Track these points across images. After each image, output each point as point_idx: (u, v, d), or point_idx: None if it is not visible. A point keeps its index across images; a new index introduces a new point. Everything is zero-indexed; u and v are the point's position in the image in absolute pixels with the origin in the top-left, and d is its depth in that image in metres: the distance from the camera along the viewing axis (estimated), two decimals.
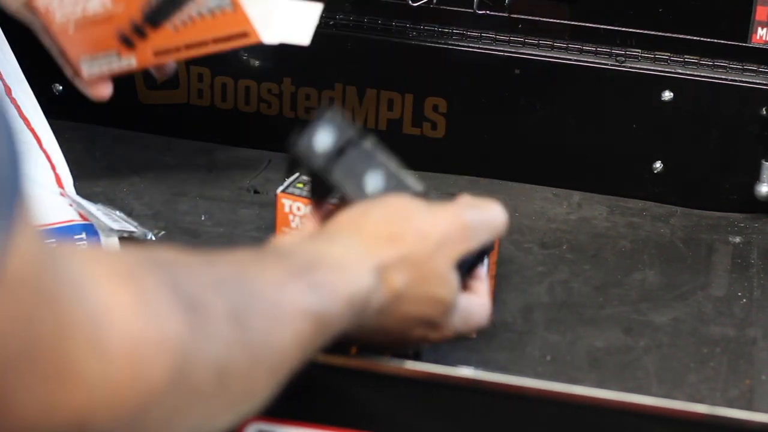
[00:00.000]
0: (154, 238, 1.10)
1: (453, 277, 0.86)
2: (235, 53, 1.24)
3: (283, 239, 0.91)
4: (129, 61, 1.05)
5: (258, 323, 0.71)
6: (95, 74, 1.06)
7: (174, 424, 0.66)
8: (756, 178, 1.19)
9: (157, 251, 0.71)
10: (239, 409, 0.72)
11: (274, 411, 0.84)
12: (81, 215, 1.09)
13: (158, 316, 0.64)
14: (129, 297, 0.63)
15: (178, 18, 1.02)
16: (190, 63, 1.24)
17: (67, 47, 1.05)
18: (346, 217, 0.86)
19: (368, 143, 0.90)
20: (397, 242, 0.83)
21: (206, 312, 0.67)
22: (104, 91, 1.07)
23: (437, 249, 0.84)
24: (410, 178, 0.89)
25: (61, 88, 1.27)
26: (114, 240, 1.07)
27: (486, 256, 0.91)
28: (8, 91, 1.19)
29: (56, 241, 1.03)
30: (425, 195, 0.89)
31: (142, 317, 0.63)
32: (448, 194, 1.20)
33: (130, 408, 0.62)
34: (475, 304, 0.89)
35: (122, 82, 1.27)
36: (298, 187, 1.05)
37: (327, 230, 0.86)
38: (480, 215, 0.89)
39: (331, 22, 1.24)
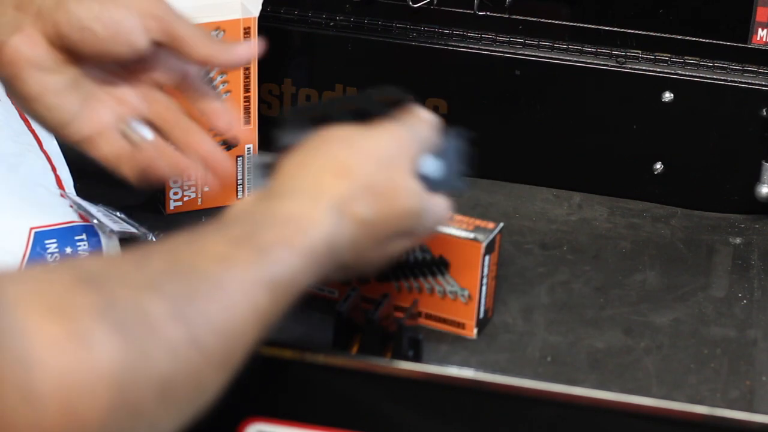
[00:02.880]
0: (155, 240, 1.10)
1: (415, 185, 0.86)
2: None
3: (232, 208, 0.84)
4: None
5: (205, 311, 0.68)
6: None
7: None
8: (756, 179, 1.19)
9: (85, 264, 0.69)
10: (188, 411, 0.69)
11: (275, 411, 0.84)
12: (82, 216, 1.09)
13: (90, 348, 0.62)
14: (58, 331, 0.61)
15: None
16: None
17: None
18: (289, 164, 0.84)
19: None
20: (348, 173, 0.82)
21: (147, 321, 0.65)
22: None
23: (389, 166, 0.84)
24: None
25: None
26: (115, 241, 1.07)
27: None
28: None
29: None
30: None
31: (73, 353, 0.61)
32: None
33: None
34: (434, 202, 0.89)
35: None
36: None
37: (274, 184, 0.83)
38: (413, 130, 0.88)
39: (331, 23, 1.24)
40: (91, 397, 0.61)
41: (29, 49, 0.91)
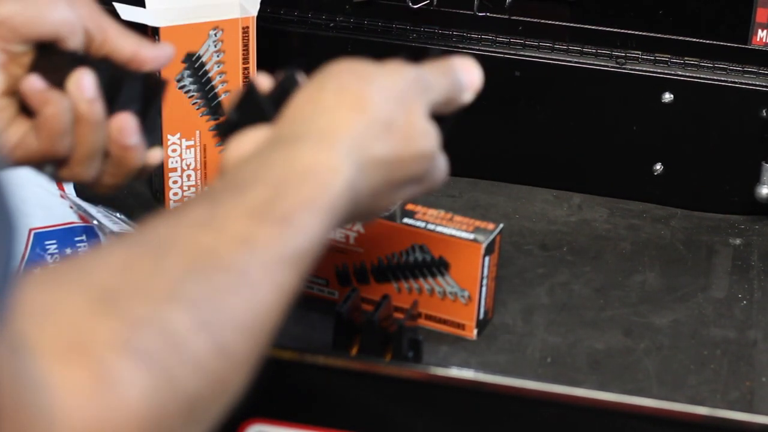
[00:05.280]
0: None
1: (431, 128, 0.80)
2: None
3: (240, 149, 0.77)
4: None
5: (229, 310, 0.64)
6: None
7: None
8: (756, 179, 1.19)
9: (97, 276, 0.62)
10: (213, 418, 0.65)
11: (275, 412, 0.84)
12: (81, 217, 1.09)
13: (116, 389, 0.58)
14: (80, 375, 0.57)
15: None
16: None
17: None
18: (299, 101, 0.77)
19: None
20: (365, 107, 0.76)
21: (171, 340, 0.61)
22: None
23: (405, 104, 0.78)
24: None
25: None
26: None
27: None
28: None
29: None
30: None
31: (99, 397, 0.58)
32: (448, 196, 1.21)
33: None
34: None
35: None
36: None
37: (286, 122, 0.76)
38: (425, 76, 0.82)
39: (331, 24, 1.24)
40: None
41: None
